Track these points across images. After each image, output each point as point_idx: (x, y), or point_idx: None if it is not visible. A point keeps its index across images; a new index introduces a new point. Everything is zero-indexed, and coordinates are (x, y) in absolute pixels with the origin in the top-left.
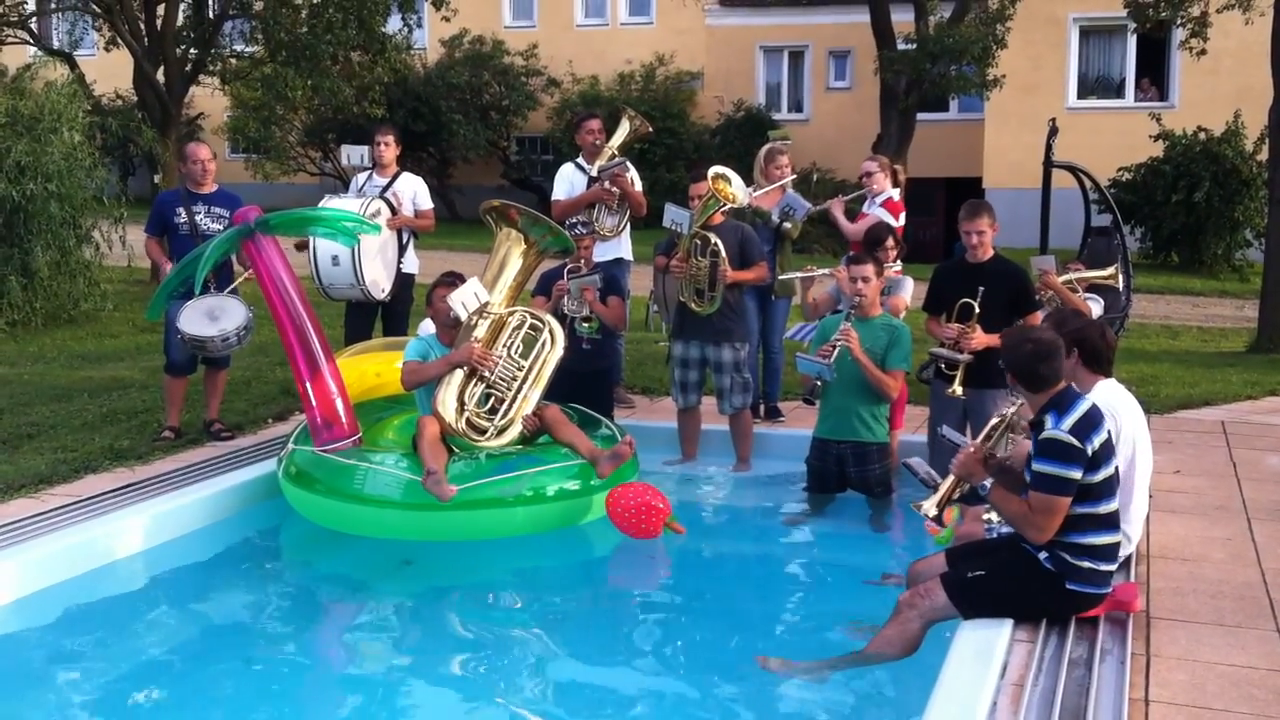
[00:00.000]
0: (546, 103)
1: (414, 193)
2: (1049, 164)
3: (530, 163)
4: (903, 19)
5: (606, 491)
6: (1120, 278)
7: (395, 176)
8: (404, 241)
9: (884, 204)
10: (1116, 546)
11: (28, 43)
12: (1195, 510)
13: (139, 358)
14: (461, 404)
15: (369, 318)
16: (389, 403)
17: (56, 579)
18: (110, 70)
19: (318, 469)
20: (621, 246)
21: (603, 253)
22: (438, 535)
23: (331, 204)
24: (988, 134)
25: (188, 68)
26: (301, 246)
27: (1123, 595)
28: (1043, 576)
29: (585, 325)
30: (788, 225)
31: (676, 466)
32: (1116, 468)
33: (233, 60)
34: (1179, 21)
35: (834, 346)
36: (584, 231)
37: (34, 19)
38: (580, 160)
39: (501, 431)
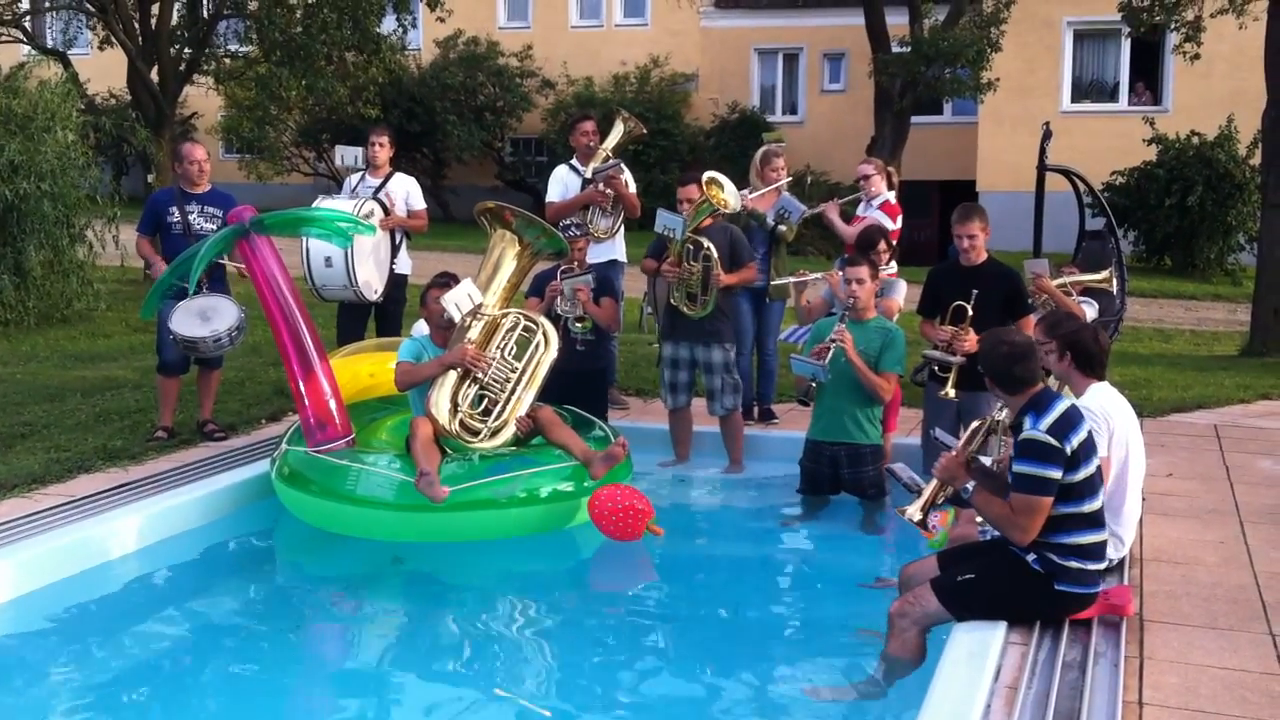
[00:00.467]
0: (541, 104)
1: (407, 193)
2: (1043, 167)
3: (525, 164)
4: (897, 22)
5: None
6: (1115, 281)
7: (388, 177)
8: (397, 242)
9: (881, 206)
10: (1103, 545)
11: (21, 41)
12: (1188, 513)
13: (132, 357)
14: (455, 405)
15: (362, 318)
16: (382, 403)
17: (49, 579)
18: (104, 69)
19: (311, 470)
20: (615, 248)
21: (597, 254)
22: (431, 536)
23: (325, 204)
24: (982, 137)
25: (182, 67)
26: None
27: (1117, 599)
28: (1032, 578)
29: (579, 326)
30: (783, 228)
31: (670, 468)
32: (1099, 467)
33: (227, 60)
34: (1173, 25)
35: (829, 347)
36: (578, 233)
37: (28, 17)
38: (574, 162)
39: (495, 433)
